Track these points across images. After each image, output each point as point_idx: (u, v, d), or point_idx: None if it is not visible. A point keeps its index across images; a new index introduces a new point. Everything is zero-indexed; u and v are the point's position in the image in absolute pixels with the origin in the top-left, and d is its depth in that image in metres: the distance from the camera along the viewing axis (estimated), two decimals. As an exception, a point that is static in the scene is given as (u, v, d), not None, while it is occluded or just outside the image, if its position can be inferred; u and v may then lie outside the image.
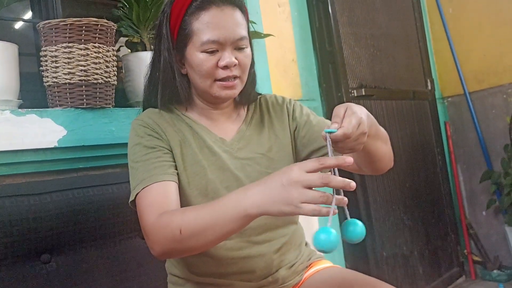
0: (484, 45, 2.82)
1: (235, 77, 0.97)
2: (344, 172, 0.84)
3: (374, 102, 2.36)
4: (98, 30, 1.28)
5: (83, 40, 1.25)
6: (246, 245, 0.99)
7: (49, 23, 1.24)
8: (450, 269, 2.73)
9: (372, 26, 2.50)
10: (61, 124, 1.23)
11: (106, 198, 1.19)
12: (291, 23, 2.16)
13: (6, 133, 1.13)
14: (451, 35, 2.95)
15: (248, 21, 1.03)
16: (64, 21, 1.24)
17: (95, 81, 1.28)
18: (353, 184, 0.72)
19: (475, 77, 2.87)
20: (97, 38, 1.28)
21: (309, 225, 1.56)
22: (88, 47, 1.26)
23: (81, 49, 1.25)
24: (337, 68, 2.19)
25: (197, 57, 0.96)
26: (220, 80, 0.97)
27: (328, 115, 2.13)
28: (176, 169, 0.97)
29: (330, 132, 0.78)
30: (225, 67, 0.95)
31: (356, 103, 0.87)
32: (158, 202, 0.89)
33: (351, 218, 0.79)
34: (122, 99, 1.47)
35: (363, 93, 2.28)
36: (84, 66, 1.26)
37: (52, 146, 1.21)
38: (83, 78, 1.26)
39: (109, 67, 1.32)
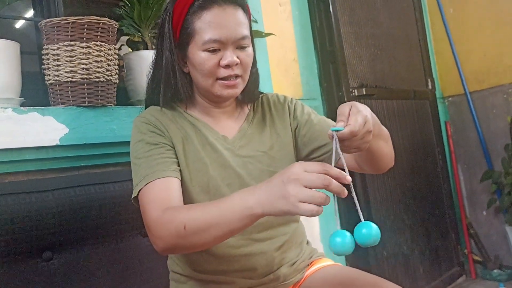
0: (484, 45, 2.82)
1: (236, 76, 0.98)
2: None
3: (375, 102, 2.37)
4: (100, 28, 1.28)
5: (85, 39, 1.26)
6: (247, 243, 0.99)
7: (51, 21, 1.25)
8: (450, 269, 2.73)
9: (373, 26, 2.50)
10: (63, 122, 1.23)
11: (107, 196, 1.19)
12: (292, 22, 2.16)
13: (8, 131, 1.14)
14: (451, 35, 2.95)
15: (250, 20, 1.03)
16: (66, 19, 1.24)
17: (96, 80, 1.28)
18: (346, 192, 0.72)
19: (476, 77, 2.87)
20: (99, 37, 1.28)
21: (310, 224, 1.57)
22: (90, 45, 1.26)
23: (83, 47, 1.25)
24: (338, 67, 2.19)
25: (199, 56, 0.96)
26: (221, 79, 0.97)
27: (329, 115, 2.14)
28: (179, 165, 0.97)
29: (337, 131, 0.77)
30: (227, 66, 0.96)
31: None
32: (161, 198, 0.89)
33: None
34: (123, 97, 1.47)
35: (364, 93, 2.28)
36: (86, 64, 1.26)
37: (54, 144, 1.21)
38: (85, 76, 1.26)
39: (110, 66, 1.32)
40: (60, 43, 1.25)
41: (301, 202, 0.71)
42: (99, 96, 1.29)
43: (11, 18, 1.49)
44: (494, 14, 2.77)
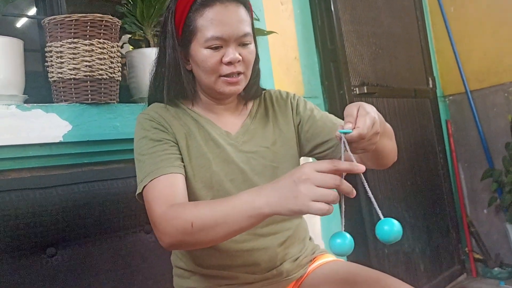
0: (485, 44, 2.83)
1: (239, 73, 0.98)
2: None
3: (376, 100, 2.37)
4: (103, 26, 1.28)
5: (88, 36, 1.26)
6: (251, 238, 1.00)
7: (54, 19, 1.25)
8: (451, 267, 2.73)
9: (374, 25, 2.51)
10: (66, 119, 1.23)
11: (110, 193, 1.20)
12: (294, 21, 2.17)
13: (12, 128, 1.14)
14: (452, 34, 2.96)
15: (252, 17, 1.03)
16: (69, 16, 1.24)
17: (99, 77, 1.28)
18: (354, 192, 0.74)
19: (476, 75, 2.88)
20: (102, 34, 1.29)
21: (311, 221, 1.57)
22: (93, 42, 1.27)
23: (86, 44, 1.26)
24: (339, 66, 2.20)
25: (201, 53, 0.97)
26: (224, 76, 0.97)
27: (330, 113, 2.13)
28: (183, 161, 0.98)
29: (345, 133, 0.77)
30: (229, 63, 0.96)
31: (358, 101, 0.87)
32: (166, 194, 0.89)
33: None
34: (125, 95, 1.48)
35: (365, 91, 2.29)
36: (89, 61, 1.26)
37: (57, 141, 1.22)
38: (88, 73, 1.26)
39: (113, 63, 1.33)
40: (63, 41, 1.25)
41: (312, 201, 0.72)
42: (102, 94, 1.30)
43: (14, 16, 1.50)
44: (494, 13, 2.77)
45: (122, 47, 1.68)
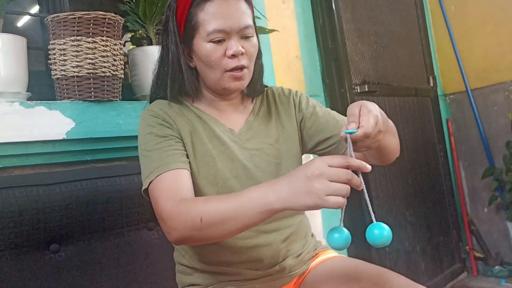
0: (486, 43, 2.83)
1: (242, 68, 0.98)
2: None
3: (377, 99, 2.38)
4: (106, 23, 1.29)
5: (91, 34, 1.26)
6: (254, 234, 1.00)
7: (57, 16, 1.26)
8: (452, 265, 2.74)
9: (375, 23, 2.51)
10: (70, 116, 1.24)
11: (114, 190, 1.21)
12: (295, 19, 2.17)
13: (15, 125, 1.15)
14: (453, 32, 2.96)
15: (253, 11, 1.03)
16: (72, 14, 1.25)
17: (102, 74, 1.29)
18: (363, 185, 0.76)
19: (477, 74, 2.88)
20: (104, 32, 1.29)
21: (312, 219, 1.58)
22: (96, 40, 1.27)
23: (89, 42, 1.26)
24: (340, 64, 2.20)
25: (204, 48, 0.97)
26: (229, 70, 0.97)
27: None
28: (188, 157, 0.98)
29: (350, 133, 0.78)
30: (233, 56, 0.96)
31: (359, 99, 0.88)
32: (173, 189, 0.89)
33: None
34: (128, 93, 1.48)
35: (366, 89, 2.29)
36: (92, 59, 1.27)
37: (61, 138, 1.22)
38: (91, 71, 1.27)
39: (116, 61, 1.33)
40: (66, 38, 1.25)
41: (328, 195, 0.72)
42: (105, 91, 1.30)
43: (17, 14, 1.50)
44: (495, 11, 2.77)
45: (124, 45, 1.69)
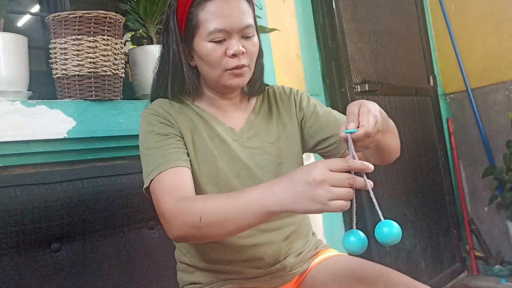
0: (486, 42, 2.83)
1: (243, 67, 0.98)
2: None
3: (378, 98, 2.38)
4: (106, 22, 1.29)
5: (92, 33, 1.27)
6: (255, 233, 1.00)
7: (58, 15, 1.26)
8: (452, 264, 2.74)
9: (375, 22, 2.52)
10: (71, 115, 1.24)
11: (115, 189, 1.21)
12: (296, 18, 2.18)
13: (17, 124, 1.15)
14: (453, 31, 2.96)
15: (254, 10, 1.03)
16: (73, 13, 1.25)
17: (103, 73, 1.29)
18: (371, 183, 0.76)
19: (477, 73, 2.88)
20: (105, 31, 1.29)
21: (313, 218, 1.58)
22: (97, 39, 1.27)
23: (90, 41, 1.26)
24: (341, 63, 2.20)
25: (205, 47, 0.97)
26: (230, 69, 0.97)
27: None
28: (189, 156, 0.98)
29: (351, 133, 0.78)
30: (233, 56, 0.96)
31: (359, 99, 0.87)
32: (175, 187, 0.89)
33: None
34: (129, 92, 1.48)
35: (367, 89, 2.29)
36: (93, 58, 1.27)
37: (62, 137, 1.22)
38: (92, 70, 1.27)
39: (117, 60, 1.33)
40: (67, 37, 1.26)
41: (331, 200, 0.72)
42: (106, 90, 1.30)
43: (18, 13, 1.50)
44: (495, 10, 2.78)
45: (124, 44, 1.69)
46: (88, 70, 1.27)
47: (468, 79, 2.91)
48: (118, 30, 1.34)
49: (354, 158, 0.77)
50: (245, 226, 0.81)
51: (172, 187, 0.90)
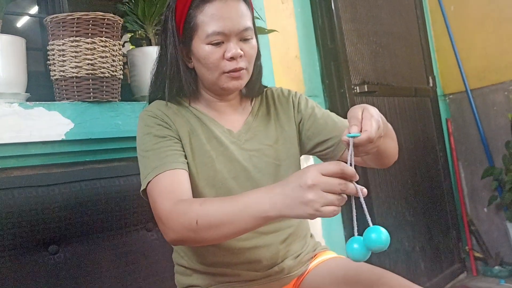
0: (485, 42, 2.83)
1: (241, 69, 0.98)
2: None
3: (377, 99, 2.38)
4: (105, 24, 1.29)
5: (90, 34, 1.26)
6: (253, 236, 1.00)
7: (56, 17, 1.25)
8: (451, 265, 2.74)
9: (375, 23, 2.51)
10: (69, 117, 1.24)
11: (113, 191, 1.21)
12: (294, 19, 2.17)
13: (15, 126, 1.15)
14: (452, 32, 2.96)
15: (253, 13, 1.03)
16: (71, 15, 1.25)
17: (101, 75, 1.29)
18: (365, 191, 0.73)
19: (477, 74, 2.88)
20: (103, 32, 1.29)
21: (312, 219, 1.58)
22: (95, 41, 1.27)
23: (88, 43, 1.26)
24: (340, 64, 2.20)
25: (203, 49, 0.97)
26: (227, 72, 0.97)
27: (331, 112, 2.14)
28: (186, 158, 0.98)
29: (353, 137, 0.77)
30: (231, 59, 0.96)
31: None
32: (172, 189, 0.89)
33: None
34: (127, 94, 1.48)
35: (366, 90, 2.29)
36: (91, 60, 1.27)
37: (60, 139, 1.22)
38: (90, 72, 1.27)
39: (115, 61, 1.33)
40: (65, 39, 1.25)
41: (322, 206, 0.71)
42: (104, 92, 1.30)
43: (16, 15, 1.50)
44: (495, 11, 2.77)
45: (123, 45, 1.69)
46: (86, 72, 1.27)
47: (468, 79, 2.91)
48: (116, 32, 1.34)
49: (351, 163, 0.75)
50: (242, 230, 0.80)
51: (169, 189, 0.89)
